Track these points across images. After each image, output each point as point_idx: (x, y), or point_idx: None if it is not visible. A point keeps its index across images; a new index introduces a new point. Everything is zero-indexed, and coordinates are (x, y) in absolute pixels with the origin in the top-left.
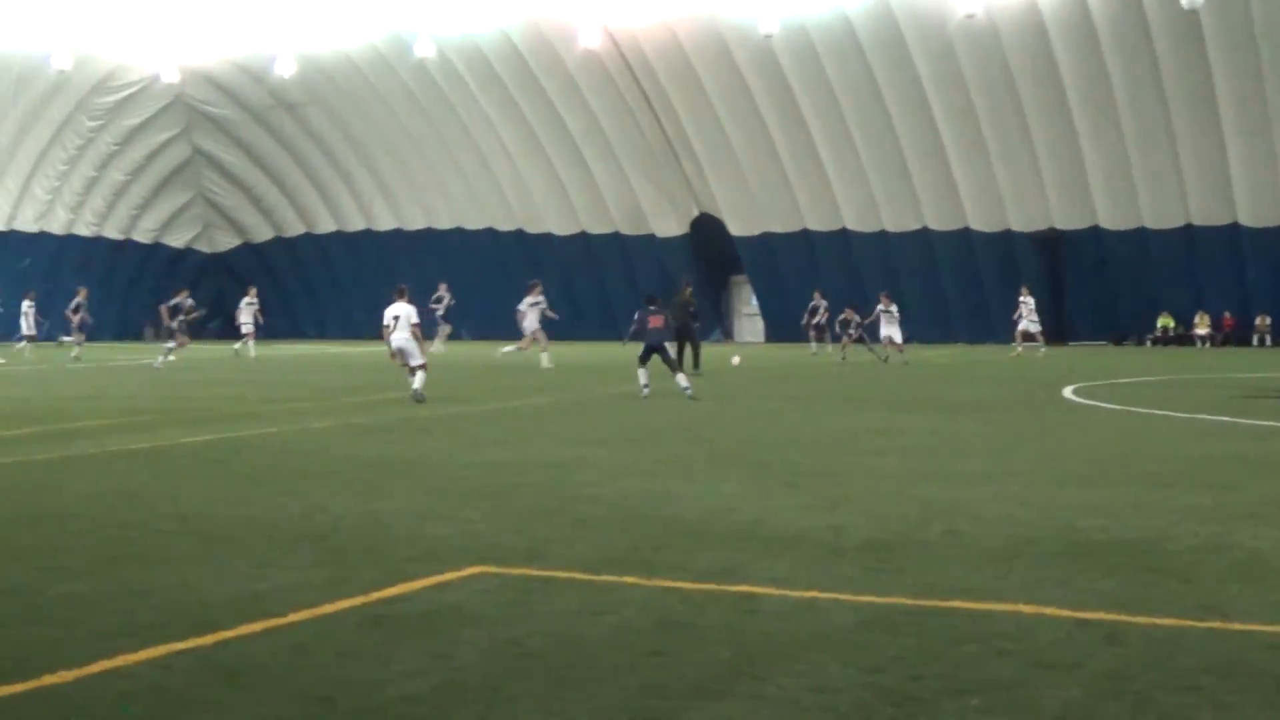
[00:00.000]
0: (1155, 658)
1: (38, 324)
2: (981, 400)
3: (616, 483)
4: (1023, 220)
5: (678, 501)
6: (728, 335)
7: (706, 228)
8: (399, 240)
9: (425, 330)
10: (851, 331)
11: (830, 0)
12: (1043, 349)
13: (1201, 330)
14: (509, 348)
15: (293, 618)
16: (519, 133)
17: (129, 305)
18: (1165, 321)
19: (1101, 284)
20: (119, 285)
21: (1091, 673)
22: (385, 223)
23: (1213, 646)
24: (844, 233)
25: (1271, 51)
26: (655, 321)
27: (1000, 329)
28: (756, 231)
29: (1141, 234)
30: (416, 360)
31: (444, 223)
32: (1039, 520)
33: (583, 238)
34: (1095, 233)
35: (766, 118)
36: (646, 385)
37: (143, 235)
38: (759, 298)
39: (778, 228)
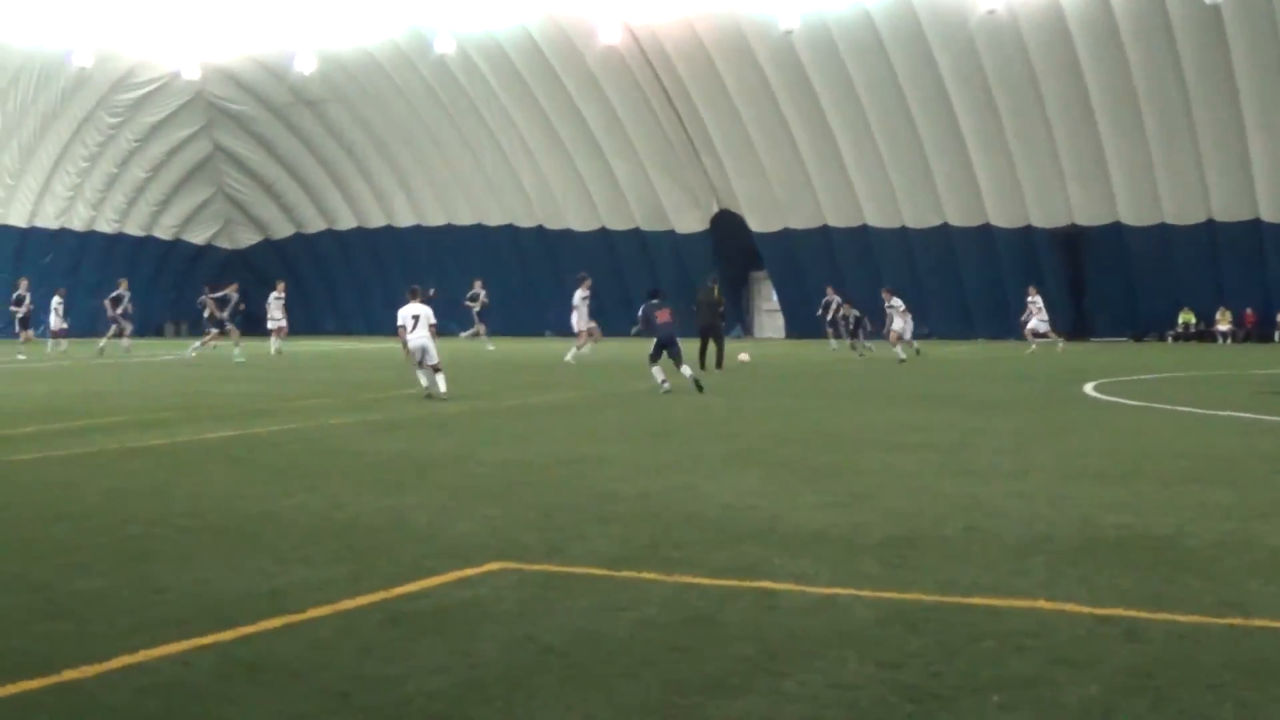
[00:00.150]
0: (1176, 655)
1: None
2: (1002, 397)
3: (637, 479)
4: (1044, 216)
5: (698, 497)
6: (748, 331)
7: (727, 224)
8: (419, 237)
9: (463, 326)
10: (852, 325)
11: None
12: (1061, 344)
13: (1223, 326)
14: (570, 355)
15: (312, 614)
16: (539, 129)
17: (150, 302)
18: (1186, 317)
19: (1123, 280)
20: (139, 282)
21: (1111, 669)
22: (406, 219)
23: (1233, 643)
24: (864, 229)
25: None
26: (663, 316)
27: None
28: (777, 227)
29: (1163, 230)
30: (434, 359)
31: (464, 219)
32: (1058, 516)
33: (603, 234)
34: (1116, 229)
35: (787, 114)
36: (665, 381)
37: (163, 232)
38: (779, 294)
39: (798, 224)
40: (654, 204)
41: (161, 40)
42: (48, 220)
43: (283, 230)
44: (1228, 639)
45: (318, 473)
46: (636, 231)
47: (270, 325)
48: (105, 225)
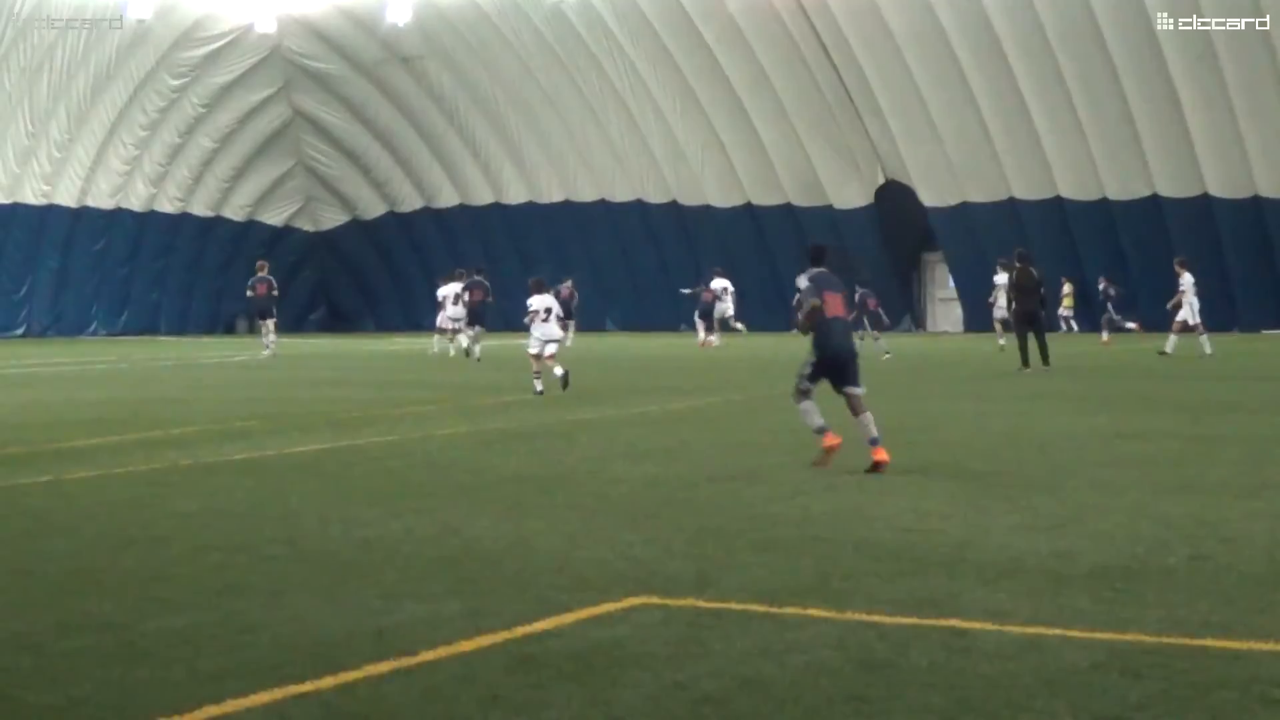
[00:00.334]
0: None
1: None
2: (1229, 399)
3: (797, 498)
4: (1273, 184)
5: (870, 520)
6: (919, 324)
7: (894, 197)
8: (532, 215)
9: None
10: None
11: None
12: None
13: None
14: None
15: (426, 657)
16: (673, 88)
17: (221, 294)
18: None
19: None
20: (208, 270)
21: None
22: (517, 195)
23: None
24: (1058, 201)
25: None
26: (834, 303)
27: (1247, 314)
28: (953, 201)
29: None
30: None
31: (586, 194)
32: None
33: (748, 210)
34: None
35: (965, 66)
36: (823, 429)
37: (235, 212)
38: (956, 279)
39: (979, 196)
40: (808, 175)
41: None
42: (101, 199)
43: (373, 209)
44: None
45: (426, 492)
46: (788, 207)
47: (451, 324)
48: (168, 204)
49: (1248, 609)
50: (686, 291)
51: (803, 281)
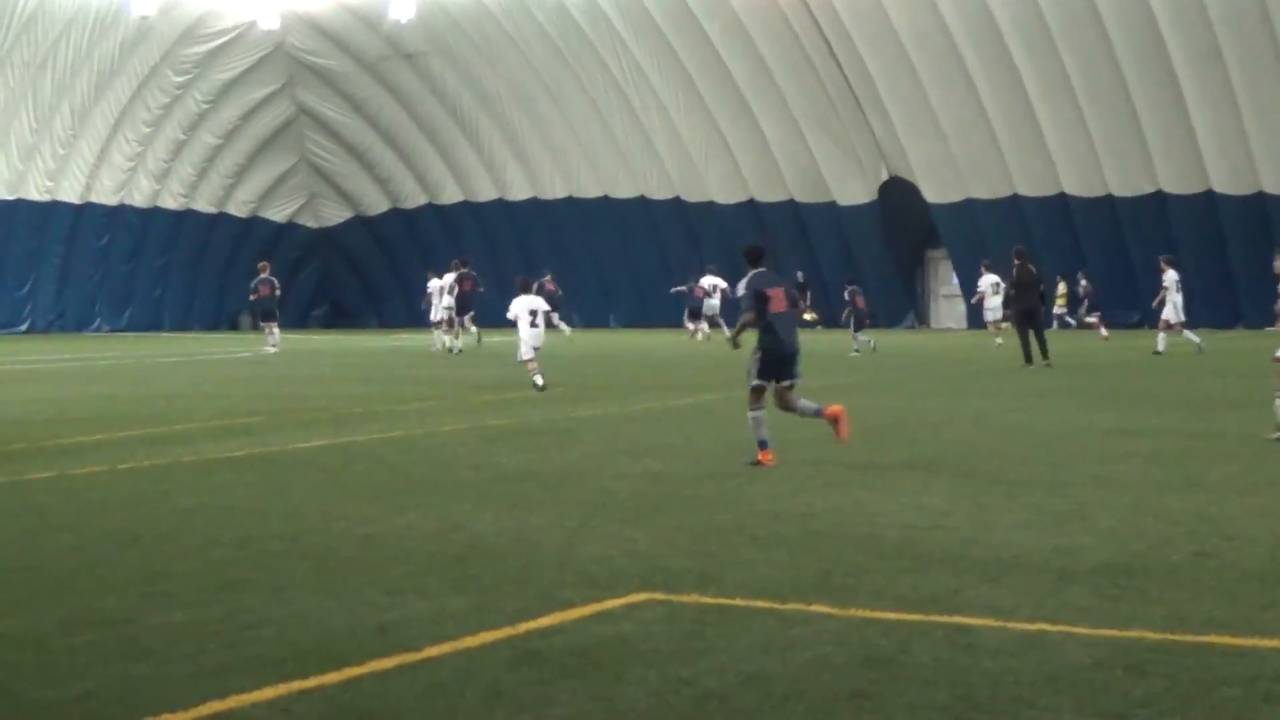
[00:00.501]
0: None
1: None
2: (1232, 395)
3: (800, 495)
4: (1278, 181)
5: (873, 517)
6: (922, 320)
7: (897, 194)
8: (536, 211)
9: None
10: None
11: None
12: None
13: None
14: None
15: (430, 653)
16: (676, 85)
17: (225, 291)
18: None
19: None
20: (211, 266)
21: None
22: (520, 191)
23: None
24: (1062, 197)
25: None
26: (778, 299)
27: (1252, 309)
28: (957, 198)
29: None
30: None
31: (589, 191)
32: None
33: (750, 207)
34: None
35: (969, 65)
36: (764, 441)
37: (238, 208)
38: (960, 276)
39: (982, 193)
40: (811, 171)
41: None
42: (105, 196)
43: (377, 205)
44: None
45: (429, 488)
46: (790, 203)
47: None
48: (171, 201)
49: (1251, 606)
50: (676, 289)
51: (741, 288)
